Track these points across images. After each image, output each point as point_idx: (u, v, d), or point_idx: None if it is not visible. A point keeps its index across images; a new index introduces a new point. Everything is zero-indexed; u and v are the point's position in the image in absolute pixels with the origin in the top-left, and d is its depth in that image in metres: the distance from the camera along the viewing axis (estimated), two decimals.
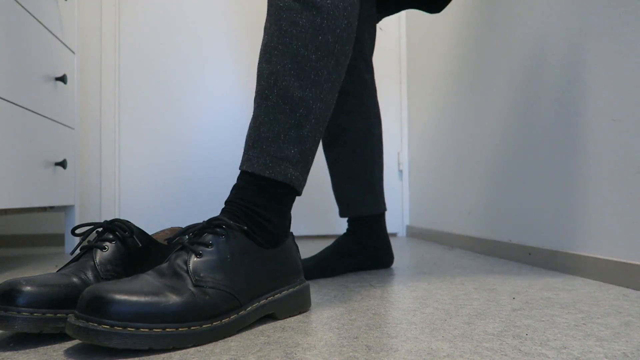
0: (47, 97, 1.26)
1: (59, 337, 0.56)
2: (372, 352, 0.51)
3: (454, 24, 1.57)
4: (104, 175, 1.82)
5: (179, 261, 0.56)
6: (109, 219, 1.82)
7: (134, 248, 0.65)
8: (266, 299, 0.63)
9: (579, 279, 0.94)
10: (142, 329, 0.49)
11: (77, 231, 0.69)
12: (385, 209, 1.10)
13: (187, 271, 0.55)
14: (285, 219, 0.69)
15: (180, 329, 0.51)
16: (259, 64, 0.72)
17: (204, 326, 0.53)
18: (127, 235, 0.64)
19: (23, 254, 1.47)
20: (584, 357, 0.49)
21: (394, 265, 1.15)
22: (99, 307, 0.48)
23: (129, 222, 0.66)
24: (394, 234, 2.11)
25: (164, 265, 0.57)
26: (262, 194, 0.67)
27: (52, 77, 1.29)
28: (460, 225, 1.53)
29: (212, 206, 1.91)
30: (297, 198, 1.97)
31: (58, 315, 0.54)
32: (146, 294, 0.51)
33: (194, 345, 0.52)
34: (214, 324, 0.54)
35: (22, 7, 1.11)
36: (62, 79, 1.32)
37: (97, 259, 0.61)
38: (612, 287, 0.86)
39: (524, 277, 0.96)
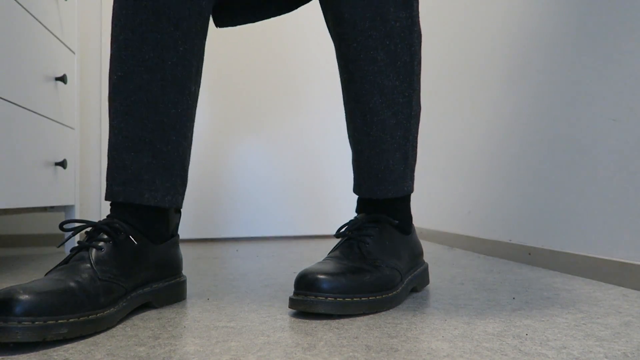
0: (47, 97, 1.26)
1: None
2: (372, 352, 0.51)
3: (453, 22, 1.57)
4: (104, 175, 1.81)
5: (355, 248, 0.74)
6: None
7: (129, 248, 0.64)
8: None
9: (579, 279, 0.94)
10: (346, 299, 0.65)
11: (66, 226, 0.68)
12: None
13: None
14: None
15: (371, 297, 0.68)
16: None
17: (378, 297, 0.69)
18: (122, 237, 0.63)
19: (23, 254, 1.47)
20: (584, 357, 0.49)
21: None
22: (312, 284, 0.64)
23: (123, 222, 0.65)
24: None
25: (336, 252, 0.73)
26: (393, 208, 0.80)
27: (52, 77, 1.29)
28: (460, 225, 1.53)
29: (210, 204, 1.91)
30: (297, 198, 1.97)
31: (59, 321, 0.52)
32: (344, 273, 0.67)
33: (384, 309, 0.69)
34: (384, 296, 0.70)
35: (22, 7, 1.11)
36: (62, 79, 1.32)
37: (94, 259, 0.60)
38: (612, 287, 0.86)
39: (524, 277, 0.96)
